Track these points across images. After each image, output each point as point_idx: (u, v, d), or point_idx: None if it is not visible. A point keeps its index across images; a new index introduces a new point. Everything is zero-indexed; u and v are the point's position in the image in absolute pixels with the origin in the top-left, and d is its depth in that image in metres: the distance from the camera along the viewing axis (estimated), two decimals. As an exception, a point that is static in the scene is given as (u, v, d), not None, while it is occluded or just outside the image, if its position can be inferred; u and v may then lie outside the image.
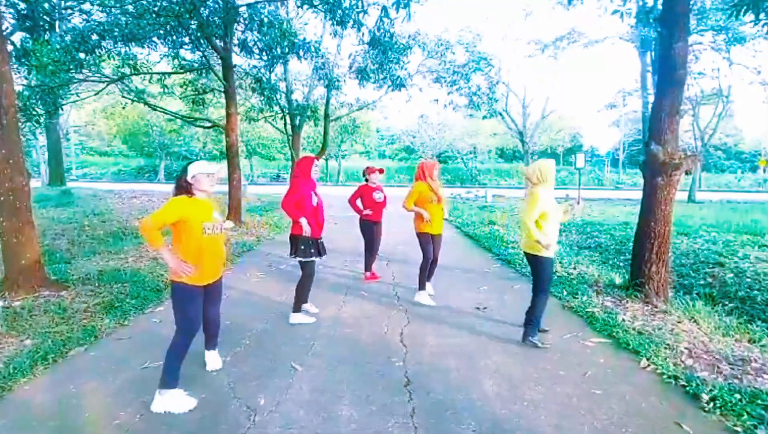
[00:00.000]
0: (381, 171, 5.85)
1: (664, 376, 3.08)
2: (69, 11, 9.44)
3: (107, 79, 10.09)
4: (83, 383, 3.00)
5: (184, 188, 2.77)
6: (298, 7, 9.04)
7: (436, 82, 13.31)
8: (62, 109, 11.11)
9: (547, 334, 3.86)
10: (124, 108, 15.27)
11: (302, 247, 4.14)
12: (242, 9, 9.01)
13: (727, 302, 4.95)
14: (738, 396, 2.73)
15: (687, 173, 4.75)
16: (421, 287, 4.84)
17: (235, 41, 9.95)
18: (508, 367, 3.26)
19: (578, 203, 4.78)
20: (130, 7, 8.06)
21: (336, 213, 11.07)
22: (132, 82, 11.20)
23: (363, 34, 9.30)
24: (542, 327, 3.82)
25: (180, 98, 13.38)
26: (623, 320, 4.08)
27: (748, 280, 5.47)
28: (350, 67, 12.39)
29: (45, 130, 17.98)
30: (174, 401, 2.66)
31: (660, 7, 5.19)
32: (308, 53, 10.21)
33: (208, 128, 12.94)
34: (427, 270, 4.86)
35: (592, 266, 6.22)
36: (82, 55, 8.57)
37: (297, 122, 14.77)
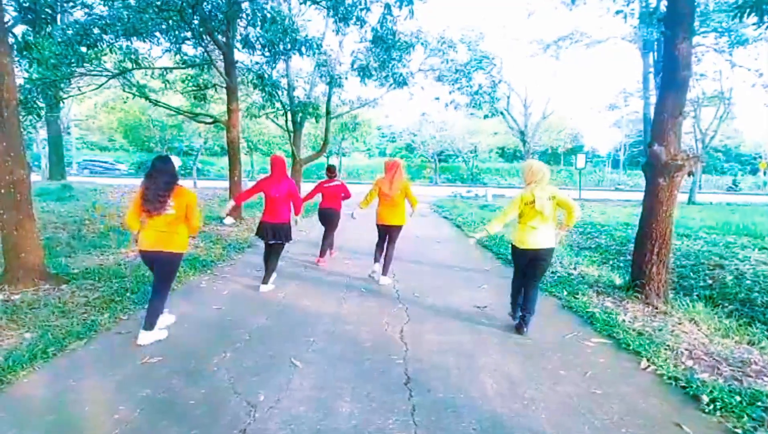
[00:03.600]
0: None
1: (664, 377, 3.08)
2: (71, 4, 9.36)
3: (109, 74, 10.06)
4: (83, 377, 2.99)
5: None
6: (301, 3, 9.03)
7: (438, 80, 13.26)
8: (63, 102, 11.07)
9: (547, 333, 3.88)
10: (125, 102, 15.25)
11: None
12: (245, 4, 8.97)
13: (727, 304, 4.95)
14: (738, 397, 2.74)
15: (690, 174, 4.75)
16: (375, 260, 5.57)
17: (238, 37, 9.92)
18: (508, 366, 3.26)
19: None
20: (133, 1, 8.02)
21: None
22: (133, 77, 11.16)
23: (365, 31, 9.28)
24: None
25: (181, 94, 13.34)
26: (623, 320, 4.08)
27: (748, 282, 5.47)
28: (352, 65, 12.34)
29: (46, 123, 17.96)
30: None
31: (663, 8, 5.18)
32: (310, 50, 10.16)
33: (210, 123, 12.93)
34: (377, 247, 5.54)
35: (593, 267, 6.23)
36: (83, 49, 8.53)
37: (298, 118, 14.74)
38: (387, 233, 5.46)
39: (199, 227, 3.54)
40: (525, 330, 3.86)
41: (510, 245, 4.06)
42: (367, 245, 7.37)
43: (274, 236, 4.97)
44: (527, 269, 3.94)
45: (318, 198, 6.59)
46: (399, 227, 5.44)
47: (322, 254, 6.49)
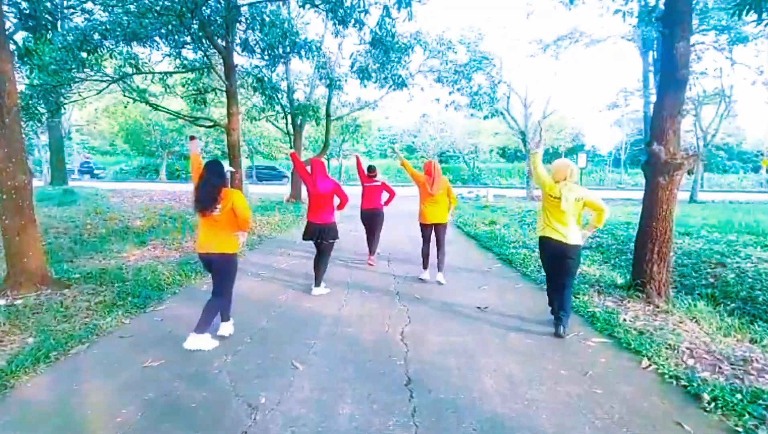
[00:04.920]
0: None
1: (666, 376, 3.08)
2: (71, 10, 9.45)
3: (109, 79, 10.10)
4: (85, 381, 3.01)
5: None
6: (299, 6, 9.05)
7: (438, 81, 13.28)
8: (64, 108, 11.14)
9: (548, 333, 3.88)
10: (125, 107, 15.30)
11: None
12: (244, 8, 9.01)
13: (728, 303, 4.93)
14: (739, 396, 2.73)
15: (689, 172, 4.75)
16: (423, 267, 5.63)
17: (237, 41, 9.95)
18: (509, 366, 3.26)
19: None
20: (132, 7, 8.06)
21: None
22: (134, 82, 11.21)
23: (364, 33, 9.29)
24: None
25: (181, 98, 13.39)
26: (624, 320, 4.08)
27: (750, 280, 5.45)
28: (352, 67, 12.37)
29: (47, 129, 18.01)
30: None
31: (662, 6, 5.18)
32: (310, 53, 10.20)
33: (210, 127, 12.96)
34: (423, 254, 5.61)
35: (594, 266, 6.22)
36: (84, 55, 8.58)
37: (298, 121, 14.78)
38: (432, 232, 5.52)
39: (249, 218, 3.56)
40: (562, 330, 3.77)
41: (538, 243, 4.07)
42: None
43: (320, 237, 5.00)
44: (555, 268, 3.94)
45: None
46: (444, 225, 5.53)
47: (371, 253, 6.57)
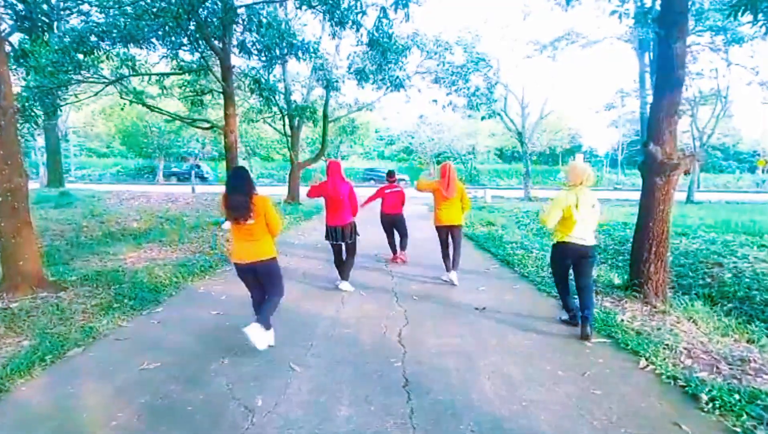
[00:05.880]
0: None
1: (663, 376, 3.07)
2: (67, 12, 9.42)
3: (106, 80, 10.08)
4: (81, 384, 2.99)
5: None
6: (297, 8, 9.08)
7: (435, 82, 13.30)
8: (61, 110, 11.10)
9: (546, 334, 3.89)
10: (122, 109, 15.25)
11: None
12: (241, 10, 9.01)
13: (725, 303, 4.95)
14: (737, 396, 2.73)
15: (686, 173, 4.76)
16: (447, 269, 5.65)
17: (234, 42, 9.96)
18: (508, 367, 3.26)
19: None
20: (129, 8, 8.05)
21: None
22: (130, 83, 11.20)
23: (362, 34, 9.30)
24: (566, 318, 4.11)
25: (179, 99, 13.37)
26: (622, 320, 4.08)
27: (747, 280, 5.46)
28: (349, 68, 12.38)
29: (44, 131, 17.98)
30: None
31: (658, 7, 5.20)
32: (307, 54, 10.21)
33: (207, 129, 12.95)
34: (444, 256, 5.64)
35: (591, 267, 6.23)
36: (80, 56, 8.57)
37: (296, 122, 14.78)
38: (448, 235, 5.57)
39: (279, 227, 3.55)
40: (589, 330, 3.72)
41: (553, 246, 4.07)
42: (372, 246, 7.39)
43: (343, 238, 5.11)
44: (575, 271, 3.97)
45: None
46: (459, 227, 5.62)
47: (403, 248, 6.79)
